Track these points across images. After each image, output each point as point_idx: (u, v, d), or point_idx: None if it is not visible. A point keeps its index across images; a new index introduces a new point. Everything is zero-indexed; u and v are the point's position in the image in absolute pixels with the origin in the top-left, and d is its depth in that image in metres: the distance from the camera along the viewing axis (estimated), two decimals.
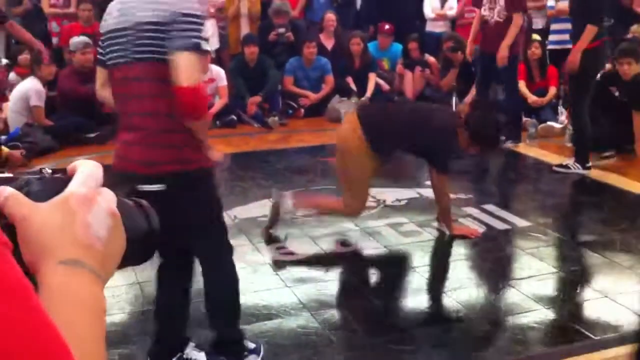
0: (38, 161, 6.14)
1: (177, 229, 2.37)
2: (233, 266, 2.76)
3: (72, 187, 0.61)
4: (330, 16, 8.48)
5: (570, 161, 5.67)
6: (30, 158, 6.09)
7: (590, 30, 5.31)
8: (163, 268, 2.78)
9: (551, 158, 6.11)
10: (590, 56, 5.38)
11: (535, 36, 6.17)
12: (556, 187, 5.59)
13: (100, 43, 2.60)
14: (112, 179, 2.58)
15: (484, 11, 6.42)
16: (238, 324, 2.85)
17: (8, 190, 0.57)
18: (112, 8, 2.49)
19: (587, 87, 5.52)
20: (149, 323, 3.23)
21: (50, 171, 0.64)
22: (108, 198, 0.62)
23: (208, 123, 3.03)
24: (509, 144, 6.42)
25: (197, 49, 2.28)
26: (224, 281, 2.77)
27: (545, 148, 6.43)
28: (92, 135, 6.88)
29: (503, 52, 6.22)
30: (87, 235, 0.59)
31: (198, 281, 2.82)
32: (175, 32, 2.28)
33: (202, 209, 2.57)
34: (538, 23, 8.30)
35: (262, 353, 2.90)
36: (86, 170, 0.63)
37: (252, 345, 2.91)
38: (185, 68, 2.26)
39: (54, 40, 8.27)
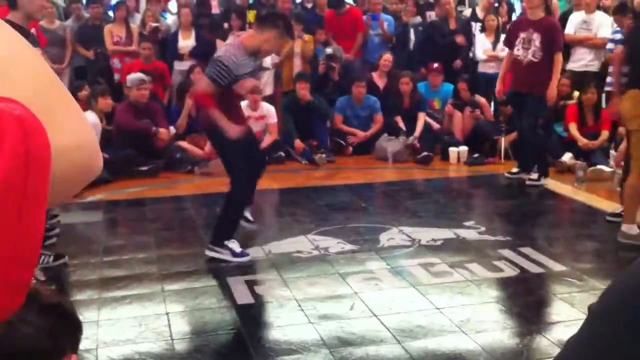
0: (90, 192, 6.38)
1: None
2: None
3: None
4: (387, 57, 8.60)
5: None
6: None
7: None
8: None
9: (599, 203, 5.99)
10: None
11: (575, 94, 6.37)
12: (601, 231, 5.46)
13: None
14: None
15: (517, 51, 6.48)
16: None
17: None
18: None
19: None
20: (175, 353, 3.33)
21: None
22: None
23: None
24: (542, 181, 6.46)
25: (209, 78, 4.34)
26: None
27: (594, 192, 6.30)
28: (145, 168, 7.12)
29: (553, 92, 6.33)
30: None
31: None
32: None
33: None
34: (594, 65, 8.15)
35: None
36: None
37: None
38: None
39: (116, 76, 8.62)
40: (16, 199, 0.53)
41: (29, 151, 0.53)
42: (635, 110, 4.74)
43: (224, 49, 4.45)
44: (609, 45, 7.89)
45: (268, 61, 8.09)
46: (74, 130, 0.62)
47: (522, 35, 6.45)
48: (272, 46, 4.45)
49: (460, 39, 8.92)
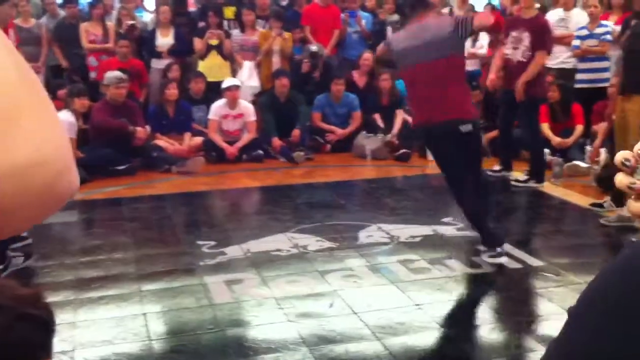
0: None
1: None
2: None
3: None
4: (367, 56, 8.57)
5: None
6: None
7: None
8: None
9: (575, 198, 6.04)
10: None
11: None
12: (577, 227, 5.51)
13: None
14: None
15: (507, 50, 6.42)
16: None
17: None
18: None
19: None
20: (153, 354, 3.30)
21: None
22: None
23: None
24: (531, 184, 6.38)
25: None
26: None
27: (570, 188, 6.35)
28: (122, 167, 7.05)
29: (520, 87, 6.16)
30: None
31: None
32: None
33: None
34: (570, 63, 8.17)
35: None
36: None
37: None
38: None
39: (92, 74, 8.53)
40: None
41: None
42: None
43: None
44: (575, 42, 7.88)
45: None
46: (35, 144, 0.49)
47: (513, 34, 6.32)
48: None
49: None
